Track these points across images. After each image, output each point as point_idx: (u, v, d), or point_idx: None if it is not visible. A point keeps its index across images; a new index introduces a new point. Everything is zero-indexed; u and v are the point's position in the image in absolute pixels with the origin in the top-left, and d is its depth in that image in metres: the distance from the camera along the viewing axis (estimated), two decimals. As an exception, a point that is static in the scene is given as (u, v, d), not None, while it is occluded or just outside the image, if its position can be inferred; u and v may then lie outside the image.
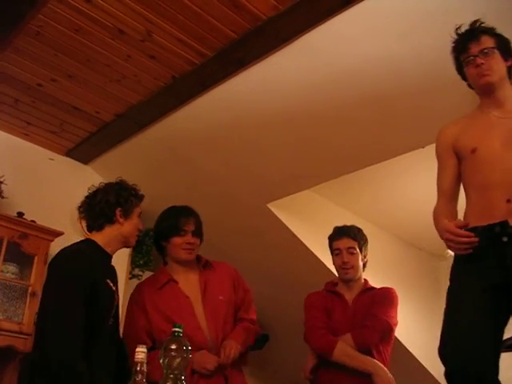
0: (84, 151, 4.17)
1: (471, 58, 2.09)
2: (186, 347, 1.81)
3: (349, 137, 3.39)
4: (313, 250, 4.24)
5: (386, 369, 2.60)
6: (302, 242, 4.23)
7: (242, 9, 2.69)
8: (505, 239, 1.88)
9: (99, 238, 2.38)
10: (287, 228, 4.19)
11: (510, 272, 1.86)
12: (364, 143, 3.43)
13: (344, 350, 2.60)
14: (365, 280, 2.89)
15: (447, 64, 2.51)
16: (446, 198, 2.12)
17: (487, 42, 2.09)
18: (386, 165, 3.66)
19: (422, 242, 5.14)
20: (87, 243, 2.37)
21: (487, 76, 2.05)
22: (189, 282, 2.63)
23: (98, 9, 2.75)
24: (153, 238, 4.67)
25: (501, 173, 1.97)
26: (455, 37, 2.17)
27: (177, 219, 2.68)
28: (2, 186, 3.59)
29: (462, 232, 1.92)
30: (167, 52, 3.04)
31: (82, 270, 2.18)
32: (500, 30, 2.16)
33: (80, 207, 2.48)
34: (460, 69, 2.17)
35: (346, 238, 2.83)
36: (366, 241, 2.90)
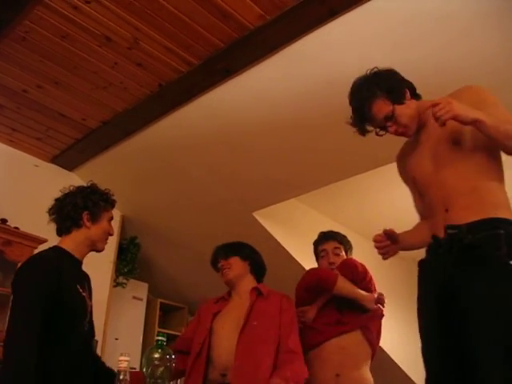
0: (69, 158, 4.15)
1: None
2: (170, 356, 1.81)
3: (335, 146, 3.40)
4: (297, 259, 4.25)
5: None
6: (286, 251, 4.24)
7: (230, 18, 2.71)
8: (440, 250, 1.90)
9: (67, 243, 2.34)
10: (272, 237, 4.20)
11: (451, 279, 1.84)
12: (349, 153, 3.44)
13: (344, 281, 2.71)
14: None
15: (432, 74, 2.55)
16: (422, 217, 2.16)
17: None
18: (371, 174, 3.68)
19: (405, 251, 5.16)
20: (54, 250, 2.32)
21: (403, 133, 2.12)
22: (238, 305, 2.69)
23: (86, 16, 2.75)
24: (136, 247, 4.74)
25: (436, 189, 1.99)
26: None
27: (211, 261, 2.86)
28: (-14, 192, 3.56)
29: (374, 237, 2.07)
30: (154, 60, 3.04)
31: (43, 279, 2.13)
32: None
33: (50, 210, 2.43)
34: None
35: (332, 240, 2.90)
36: (350, 246, 2.96)
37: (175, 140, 3.66)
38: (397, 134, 2.11)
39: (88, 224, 2.35)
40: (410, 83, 2.14)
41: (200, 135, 3.54)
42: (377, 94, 2.07)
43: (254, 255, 2.87)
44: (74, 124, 3.73)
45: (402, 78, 2.13)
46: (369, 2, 2.54)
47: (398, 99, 2.05)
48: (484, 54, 2.64)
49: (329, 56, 2.84)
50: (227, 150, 3.63)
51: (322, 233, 2.99)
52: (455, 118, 1.81)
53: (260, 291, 2.72)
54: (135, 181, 4.20)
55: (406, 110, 2.06)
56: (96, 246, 2.39)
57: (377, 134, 2.16)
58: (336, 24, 2.63)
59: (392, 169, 3.54)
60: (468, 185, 1.92)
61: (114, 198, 2.49)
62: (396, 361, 4.46)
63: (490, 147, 1.92)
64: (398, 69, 2.64)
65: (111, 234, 2.46)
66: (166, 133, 3.61)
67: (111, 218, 2.46)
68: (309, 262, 4.25)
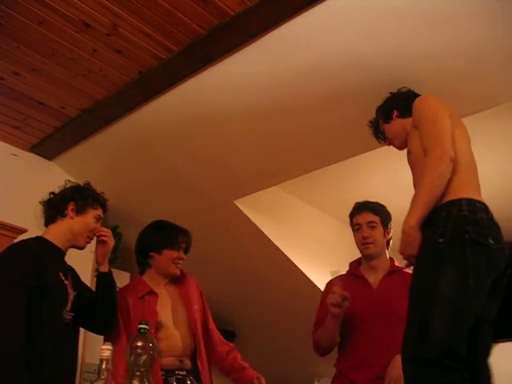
0: (48, 147, 4.10)
1: None
2: (153, 344, 1.80)
3: (316, 133, 3.40)
4: (279, 247, 4.25)
5: None
6: (268, 239, 4.24)
7: (210, 4, 2.67)
8: None
9: (50, 232, 2.40)
10: (254, 225, 4.20)
11: None
12: (331, 140, 3.45)
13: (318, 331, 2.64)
14: (391, 259, 2.76)
15: (413, 62, 2.55)
16: None
17: None
18: (352, 161, 3.69)
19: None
20: (35, 239, 2.38)
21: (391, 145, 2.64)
22: (169, 294, 2.72)
23: (63, 1, 2.69)
24: (117, 236, 4.70)
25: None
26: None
27: (176, 233, 2.74)
28: (-37, 181, 3.51)
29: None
30: (134, 46, 3.00)
31: (22, 264, 2.17)
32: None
33: (43, 202, 2.50)
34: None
35: (366, 212, 2.71)
36: (388, 217, 2.77)
37: (156, 128, 3.63)
38: (389, 145, 2.61)
39: (72, 214, 2.40)
40: (405, 102, 2.48)
41: (181, 122, 3.52)
42: (378, 114, 2.66)
43: None
44: (53, 112, 3.67)
45: (401, 98, 2.56)
46: (351, -12, 2.53)
47: (385, 119, 2.56)
48: (471, 39, 2.63)
49: (310, 42, 2.82)
50: (208, 137, 3.61)
51: (355, 204, 2.81)
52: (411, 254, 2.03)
53: (183, 274, 2.80)
54: (116, 169, 4.16)
55: (390, 128, 2.53)
56: (77, 241, 2.42)
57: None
58: (318, 10, 2.61)
59: (371, 156, 3.58)
60: None
61: (106, 199, 2.53)
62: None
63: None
64: (384, 54, 2.68)
65: (95, 233, 2.47)
66: (146, 120, 3.58)
67: (98, 217, 2.48)
68: (291, 249, 4.28)
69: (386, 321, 2.50)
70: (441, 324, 1.76)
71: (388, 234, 2.73)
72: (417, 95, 2.50)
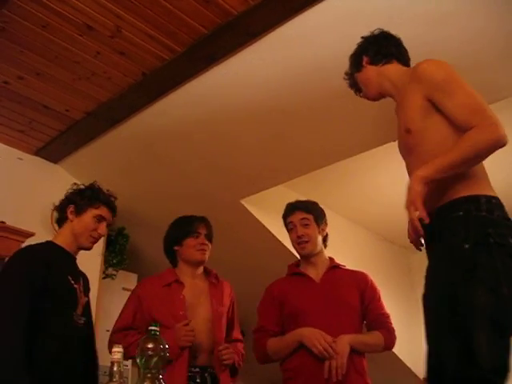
0: (54, 150, 4.10)
1: None
2: (163, 346, 1.80)
3: (321, 131, 3.40)
4: (286, 245, 4.24)
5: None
6: (275, 237, 4.24)
7: (213, 4, 2.67)
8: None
9: (57, 236, 2.45)
10: (261, 223, 4.20)
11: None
12: (336, 137, 3.44)
13: (276, 343, 2.56)
14: (330, 258, 2.77)
15: (419, 54, 2.54)
16: None
17: None
18: (358, 159, 3.68)
19: (394, 236, 5.19)
20: (44, 244, 2.40)
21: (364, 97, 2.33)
22: (195, 288, 2.74)
23: (66, 4, 2.70)
24: (124, 238, 4.70)
25: (409, 174, 2.00)
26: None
27: (191, 223, 2.82)
28: (-30, 186, 3.52)
29: None
30: (137, 48, 3.01)
31: (28, 268, 2.19)
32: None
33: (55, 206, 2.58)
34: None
35: (298, 211, 2.71)
36: (322, 214, 2.77)
37: (160, 129, 3.63)
38: (364, 97, 2.31)
39: (71, 217, 2.42)
40: (375, 46, 2.19)
41: (185, 123, 3.52)
42: (350, 64, 2.31)
43: None
44: (58, 115, 3.68)
45: (371, 42, 2.23)
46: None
47: (356, 67, 2.25)
48: (473, 34, 2.62)
49: (313, 41, 2.82)
50: (213, 137, 3.61)
51: (287, 204, 2.80)
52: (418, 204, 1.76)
53: (217, 277, 2.83)
54: (121, 171, 4.16)
55: (361, 77, 2.23)
56: (79, 242, 2.42)
57: None
58: (320, 8, 2.61)
59: (377, 153, 3.58)
60: None
61: (110, 196, 2.53)
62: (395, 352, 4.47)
63: (442, 129, 1.85)
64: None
65: (100, 234, 2.47)
66: (151, 122, 3.58)
67: (99, 217, 2.46)
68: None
69: (333, 311, 2.50)
70: (485, 341, 1.55)
71: (323, 230, 2.74)
72: (390, 36, 2.24)
